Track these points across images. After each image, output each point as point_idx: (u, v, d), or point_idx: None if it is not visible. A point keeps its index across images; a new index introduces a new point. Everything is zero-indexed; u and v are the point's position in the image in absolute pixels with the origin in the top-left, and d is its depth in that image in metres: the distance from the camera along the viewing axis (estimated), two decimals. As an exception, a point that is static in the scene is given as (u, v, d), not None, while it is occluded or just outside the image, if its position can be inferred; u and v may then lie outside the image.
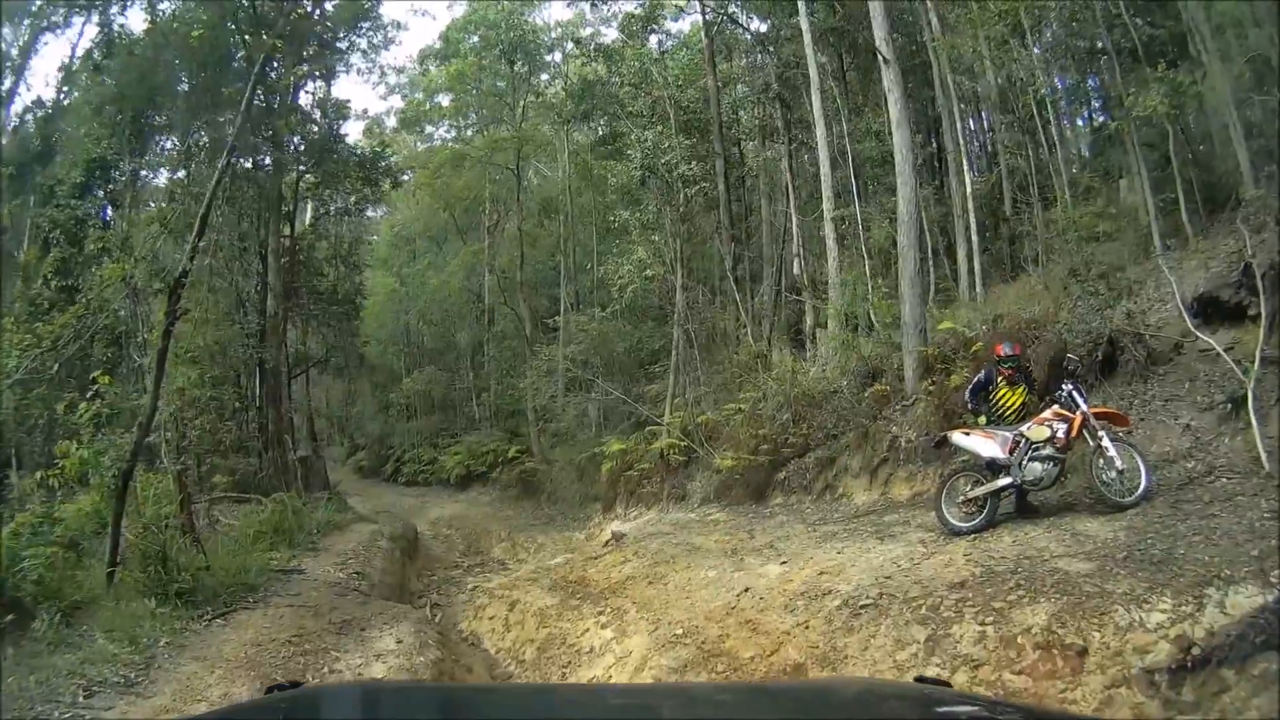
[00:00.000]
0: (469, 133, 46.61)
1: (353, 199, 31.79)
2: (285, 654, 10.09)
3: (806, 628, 10.23)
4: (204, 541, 14.20)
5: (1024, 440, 11.67)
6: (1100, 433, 11.02)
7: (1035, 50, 24.92)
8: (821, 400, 19.61)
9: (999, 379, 12.43)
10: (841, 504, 17.17)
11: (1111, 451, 10.80)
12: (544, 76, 44.18)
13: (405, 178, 42.26)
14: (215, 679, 9.13)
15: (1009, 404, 12.37)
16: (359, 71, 49.20)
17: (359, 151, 31.61)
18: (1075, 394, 11.52)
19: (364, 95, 65.39)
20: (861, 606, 10.03)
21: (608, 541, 19.73)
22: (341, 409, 56.56)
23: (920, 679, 3.80)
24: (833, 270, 22.90)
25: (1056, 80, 26.38)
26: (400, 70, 46.68)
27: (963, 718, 2.89)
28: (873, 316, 21.11)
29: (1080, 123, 29.90)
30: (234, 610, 11.79)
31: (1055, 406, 11.72)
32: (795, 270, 27.30)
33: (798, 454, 19.34)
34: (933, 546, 11.52)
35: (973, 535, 11.45)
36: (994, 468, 11.85)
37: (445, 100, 47.57)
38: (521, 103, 41.90)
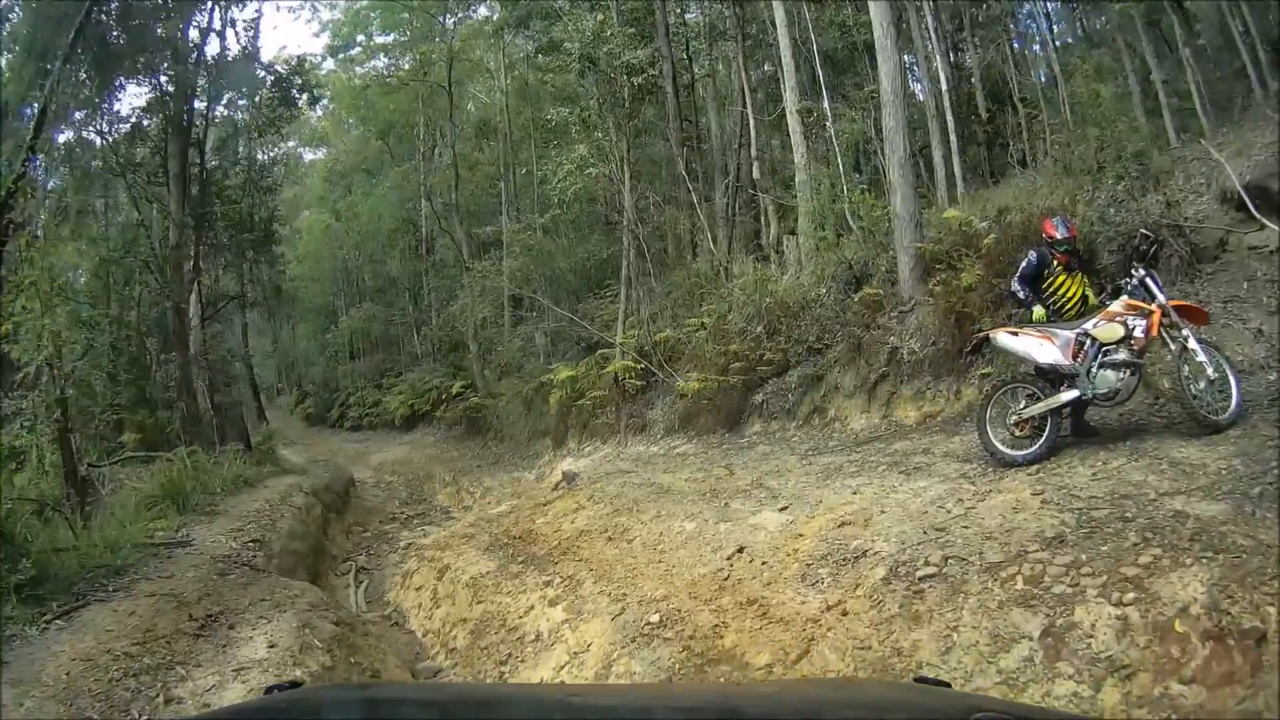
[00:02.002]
0: (401, 58, 44.10)
1: (264, 115, 28.87)
2: (114, 673, 7.62)
3: (844, 613, 7.57)
4: (93, 512, 12.62)
5: (1091, 341, 9.52)
6: (1184, 331, 9.07)
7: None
8: (799, 310, 17.61)
9: (1055, 264, 10.20)
10: (835, 430, 15.28)
11: (1201, 356, 8.88)
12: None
13: (324, 100, 41.05)
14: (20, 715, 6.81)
15: (1069, 295, 10.21)
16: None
17: (275, 68, 28.80)
18: (1150, 281, 9.40)
19: (295, 33, 63.32)
20: (922, 578, 7.41)
21: (558, 484, 17.53)
22: (279, 353, 55.04)
23: (920, 679, 3.90)
24: (801, 168, 21.11)
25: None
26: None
27: (963, 717, 2.43)
28: (848, 216, 19.28)
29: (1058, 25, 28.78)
30: (86, 604, 9.30)
31: (1125, 298, 9.56)
32: (755, 174, 25.73)
33: (776, 373, 17.47)
34: (983, 483, 9.23)
35: (1032, 466, 9.27)
36: (1054, 377, 9.75)
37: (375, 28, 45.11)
38: (453, 18, 39.61)
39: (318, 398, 50.15)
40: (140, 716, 7.00)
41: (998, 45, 26.62)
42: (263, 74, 27.91)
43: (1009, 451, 9.67)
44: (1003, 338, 10.23)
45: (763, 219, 25.88)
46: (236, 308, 32.89)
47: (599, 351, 23.79)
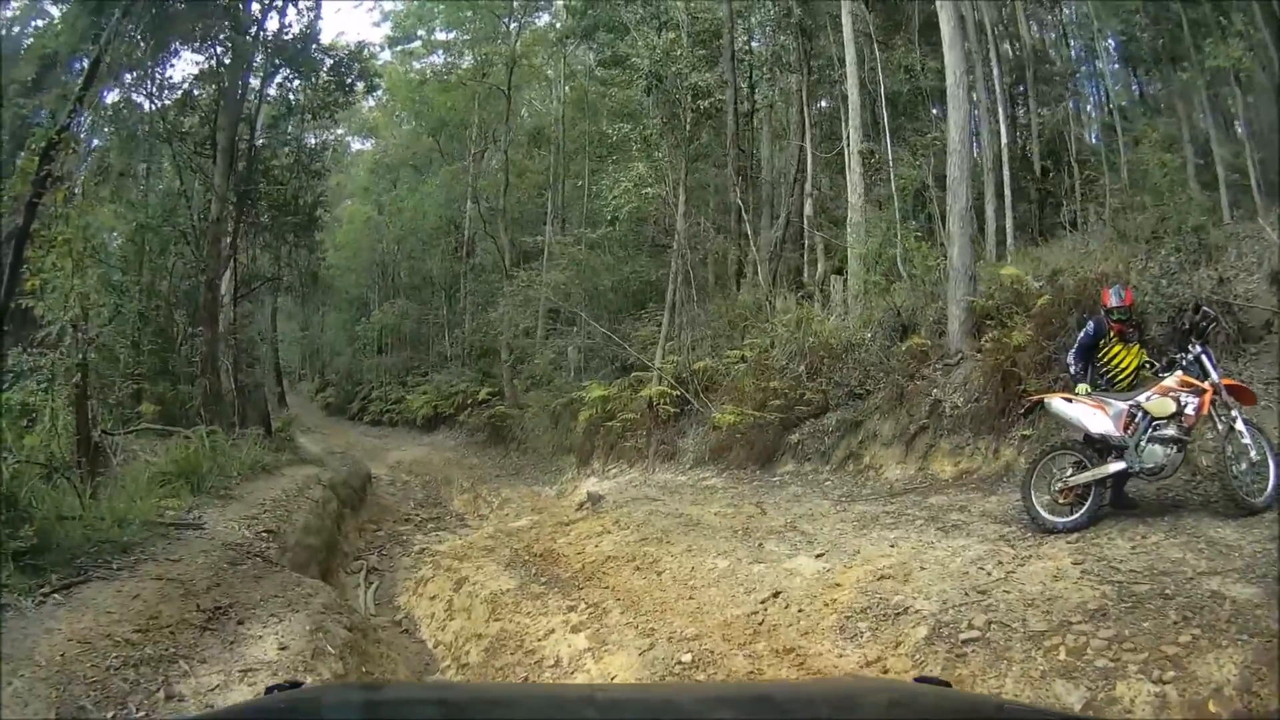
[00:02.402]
0: (461, 56, 43.70)
1: (318, 98, 28.44)
2: (112, 661, 7.01)
3: (884, 670, 7.33)
4: (103, 483, 11.96)
5: (1142, 414, 9.42)
6: (1233, 412, 9.10)
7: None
8: (842, 353, 17.40)
9: (1110, 333, 10.13)
10: (869, 478, 15.13)
11: (1246, 438, 8.91)
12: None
13: (379, 91, 40.30)
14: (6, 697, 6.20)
15: (1123, 366, 10.14)
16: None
17: (333, 52, 28.35)
18: (1205, 358, 9.35)
19: (355, 22, 63.50)
20: (965, 641, 7.26)
21: (583, 503, 17.22)
22: (308, 339, 55.39)
23: (920, 679, 4.01)
24: (857, 208, 21.03)
25: (1109, 40, 25.74)
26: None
27: (963, 717, 2.69)
28: (900, 262, 19.15)
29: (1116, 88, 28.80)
30: (87, 580, 8.67)
31: (1179, 373, 9.45)
32: (808, 211, 25.44)
33: (814, 414, 17.25)
34: (1023, 547, 9.19)
35: (1072, 534, 9.20)
36: (1101, 447, 9.66)
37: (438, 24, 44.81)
38: (518, 21, 38.99)
39: (340, 388, 49.67)
40: (137, 712, 6.45)
41: (1058, 103, 26.46)
42: (321, 56, 27.41)
43: (1050, 517, 9.59)
44: (1057, 403, 10.15)
45: (805, 255, 25.72)
46: (270, 289, 32.55)
47: (634, 374, 23.42)
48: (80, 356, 12.33)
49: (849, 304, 19.98)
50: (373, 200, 50.72)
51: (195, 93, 24.94)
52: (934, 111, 26.11)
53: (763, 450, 17.54)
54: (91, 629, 7.45)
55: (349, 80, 28.52)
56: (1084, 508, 9.41)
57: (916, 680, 3.85)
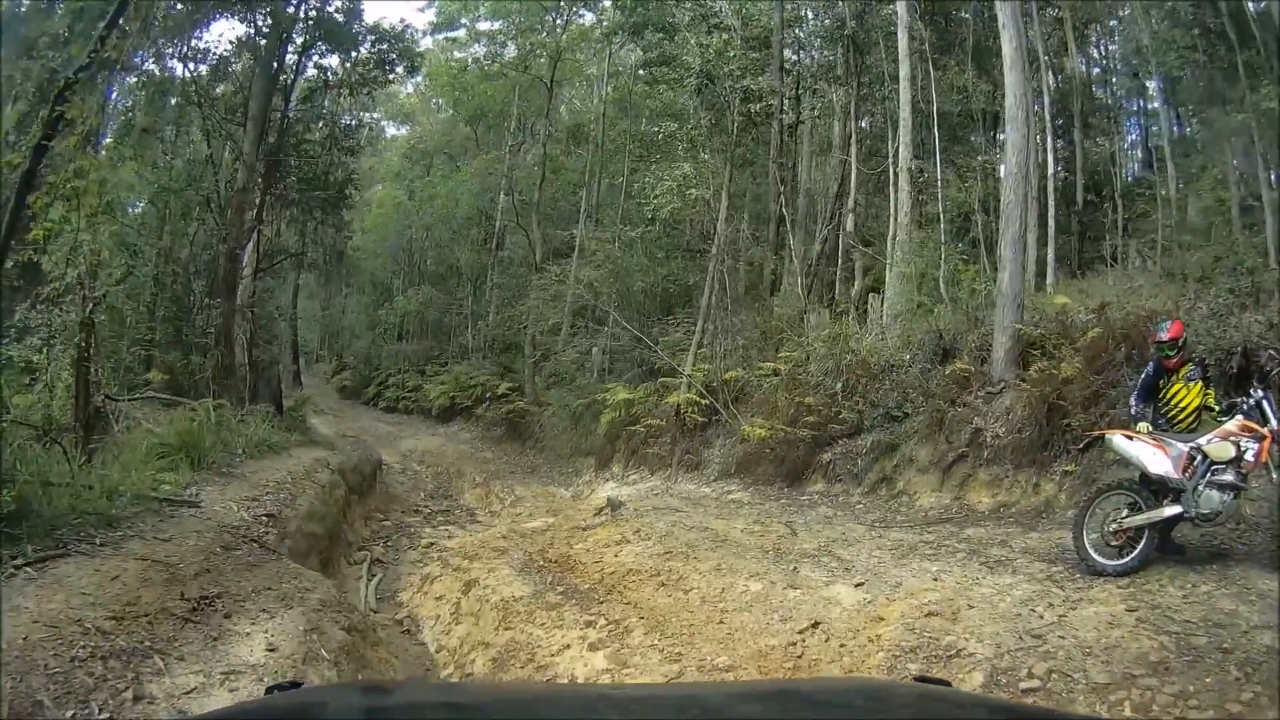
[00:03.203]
0: (504, 47, 42.73)
1: (358, 74, 27.73)
2: (80, 650, 6.20)
3: None
4: (99, 450, 11.50)
5: (1202, 457, 9.03)
6: None
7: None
8: (879, 373, 17.00)
9: (1174, 374, 9.83)
10: (902, 504, 14.75)
11: None
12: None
13: (419, 76, 40.42)
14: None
15: (1184, 405, 9.78)
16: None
17: (376, 28, 27.66)
18: (1267, 404, 9.03)
19: (400, 9, 63.07)
20: (1025, 690, 6.88)
21: (601, 509, 16.46)
22: (328, 320, 54.93)
23: (920, 678, 4.07)
24: (903, 226, 20.60)
25: (1153, 79, 25.43)
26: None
27: (962, 717, 2.76)
28: (942, 285, 18.90)
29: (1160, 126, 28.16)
30: (65, 554, 7.93)
31: (1240, 417, 9.11)
32: (849, 226, 25.10)
33: (848, 433, 16.90)
34: (1072, 589, 8.83)
35: (1122, 578, 8.86)
36: (1158, 488, 9.29)
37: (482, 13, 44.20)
38: (564, 15, 38.52)
39: (357, 371, 49.21)
40: (100, 713, 5.68)
41: (1104, 137, 26.77)
42: (362, 32, 26.66)
43: (1101, 560, 9.25)
44: (1119, 440, 9.75)
45: (838, 272, 25.68)
46: (293, 266, 32.02)
47: (660, 379, 22.88)
48: (84, 315, 11.75)
49: (887, 323, 19.55)
50: (404, 185, 50.02)
51: (230, 60, 24.32)
52: (975, 138, 26.47)
53: (792, 467, 17.14)
54: (61, 611, 6.69)
55: (390, 59, 27.79)
56: (1135, 551, 9.03)
57: (916, 680, 3.95)
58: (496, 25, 42.25)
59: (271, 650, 7.05)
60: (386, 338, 48.27)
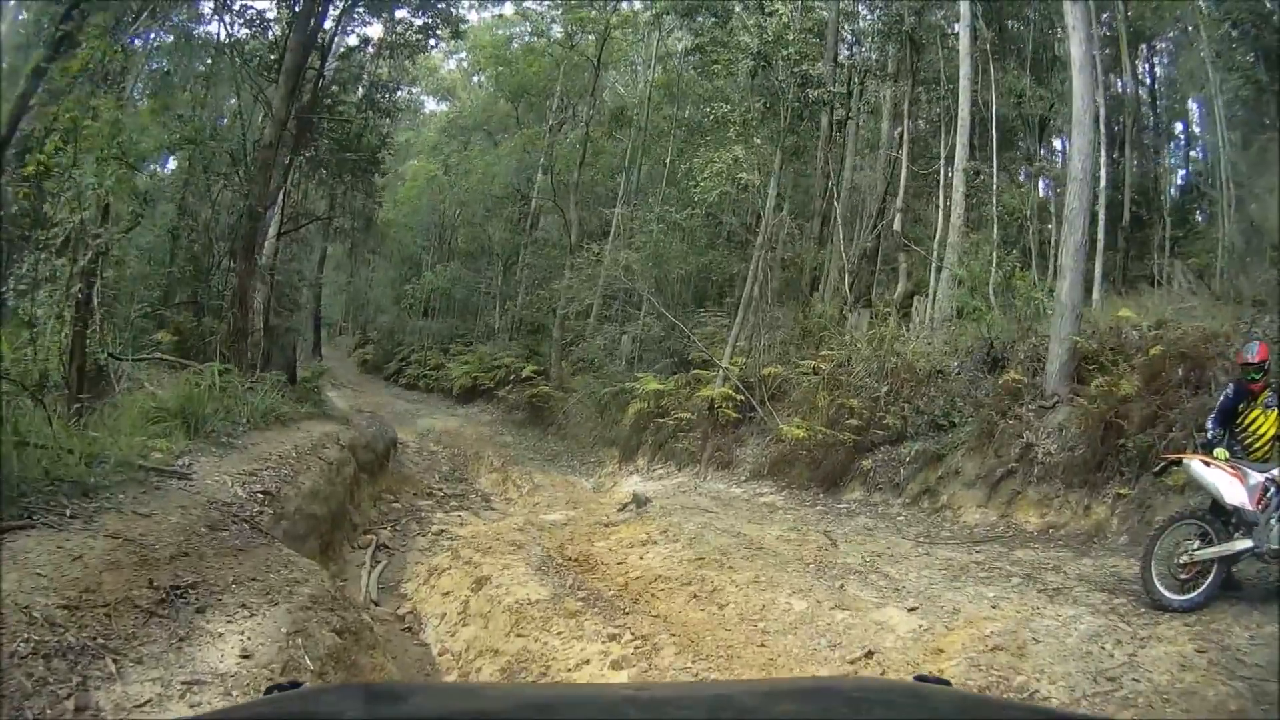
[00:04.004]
0: (553, 25, 42.54)
1: (398, 35, 26.91)
2: (21, 645, 5.22)
3: None
4: (91, 410, 10.62)
5: (1275, 489, 8.60)
6: None
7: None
8: (925, 378, 16.44)
9: (1255, 399, 9.43)
10: (945, 518, 14.27)
11: None
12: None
13: (463, 48, 41.26)
14: None
15: (1261, 433, 9.37)
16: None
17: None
18: None
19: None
20: None
21: (626, 504, 15.95)
22: (353, 291, 55.37)
23: (920, 677, 3.19)
24: (955, 229, 20.44)
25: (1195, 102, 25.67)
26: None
27: (962, 716, 2.67)
28: (992, 292, 18.36)
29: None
30: (29, 525, 6.96)
31: None
32: (897, 226, 24.59)
33: (891, 440, 16.24)
34: (1137, 624, 8.41)
35: (1187, 614, 8.45)
36: (1230, 520, 8.79)
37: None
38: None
39: (379, 346, 48.92)
40: (32, 722, 4.76)
41: (1156, 153, 26.93)
42: None
43: (1167, 594, 8.79)
44: (1195, 466, 9.28)
45: (875, 273, 25.65)
46: (319, 232, 31.35)
47: (693, 371, 22.38)
48: (83, 264, 10.96)
49: (933, 326, 19.25)
50: (441, 160, 49.36)
51: (267, 14, 23.52)
52: (1027, 144, 26.06)
53: (829, 472, 16.62)
54: (10, 595, 5.69)
55: (435, 21, 27.06)
56: (1203, 587, 8.55)
57: (916, 679, 3.27)
58: (543, 7, 41.82)
59: (245, 657, 6.08)
60: (412, 313, 47.86)
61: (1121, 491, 12.04)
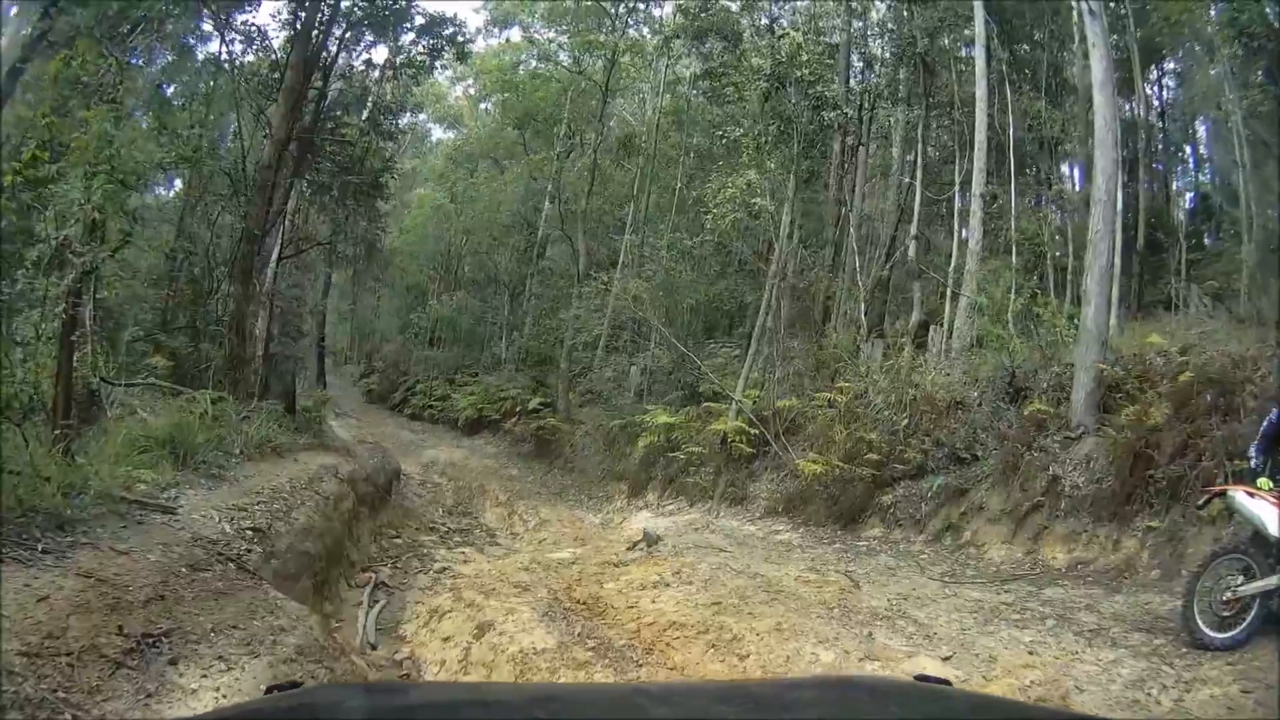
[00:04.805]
0: (560, 52, 42.75)
1: (402, 56, 26.63)
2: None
3: None
4: (78, 437, 10.23)
5: None
6: None
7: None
8: (945, 410, 16.04)
9: None
10: (969, 555, 13.89)
11: None
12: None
13: (469, 74, 41.92)
14: None
15: None
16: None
17: (426, 11, 26.53)
18: None
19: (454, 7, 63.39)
20: None
21: (636, 542, 15.38)
22: (357, 320, 55.91)
23: (920, 677, 3.33)
24: (973, 255, 20.37)
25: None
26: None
27: (963, 716, 2.82)
28: (1010, 319, 18.24)
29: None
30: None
31: None
32: (911, 254, 24.45)
33: (911, 474, 15.77)
34: (1180, 666, 8.21)
35: (1229, 653, 8.25)
36: (1277, 553, 8.43)
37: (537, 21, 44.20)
38: (621, 23, 37.93)
39: (384, 376, 48.31)
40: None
41: (1167, 178, 27.53)
42: (413, 11, 25.60)
43: (1208, 632, 8.57)
44: (1240, 498, 9.05)
45: (887, 302, 25.63)
46: (324, 259, 31.09)
47: (705, 404, 21.88)
48: (68, 283, 10.32)
49: (952, 357, 18.96)
50: (447, 188, 49.43)
51: (267, 32, 23.30)
52: (1043, 167, 26.49)
53: (848, 508, 16.25)
54: (-37, 641, 5.15)
55: (441, 42, 26.77)
56: (1245, 623, 8.31)
57: (916, 679, 3.31)
58: (550, 34, 42.14)
59: (218, 720, 5.48)
60: (417, 343, 47.73)
61: (1152, 525, 11.74)
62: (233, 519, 9.89)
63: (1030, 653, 8.83)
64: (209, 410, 13.55)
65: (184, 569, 7.70)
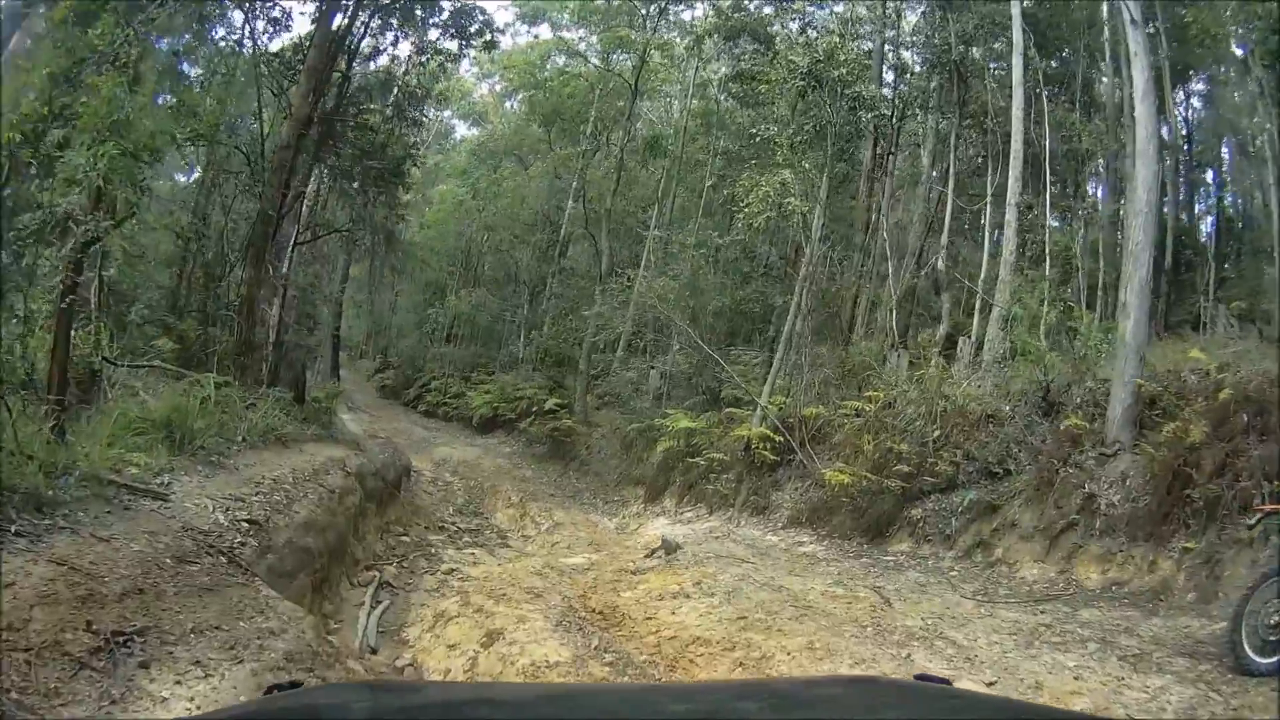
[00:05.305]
0: (588, 47, 42.91)
1: (431, 50, 26.48)
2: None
3: None
4: (75, 418, 10.05)
5: None
6: None
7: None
8: (977, 423, 15.64)
9: None
10: (1001, 573, 13.42)
11: None
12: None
13: (496, 71, 42.15)
14: None
15: None
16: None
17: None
18: None
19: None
20: None
21: (654, 550, 14.92)
22: (375, 314, 55.49)
23: (920, 676, 3.35)
24: (1008, 266, 20.23)
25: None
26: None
27: (963, 716, 2.75)
28: (1042, 333, 18.03)
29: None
30: (-30, 543, 5.93)
31: None
32: (941, 265, 24.11)
33: (941, 488, 15.50)
34: (1227, 692, 8.01)
35: (1273, 677, 7.97)
36: None
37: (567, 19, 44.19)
38: (654, 18, 37.63)
39: (400, 371, 47.92)
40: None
41: (1193, 198, 28.10)
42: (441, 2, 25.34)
43: (1255, 657, 8.28)
44: None
45: (912, 313, 25.36)
46: (343, 248, 30.73)
47: (727, 409, 21.39)
48: (66, 254, 9.90)
49: (984, 369, 18.52)
50: (470, 184, 49.13)
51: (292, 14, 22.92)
52: (1061, 182, 26.37)
53: (875, 521, 15.85)
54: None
55: (470, 29, 26.43)
56: None
57: (916, 678, 3.29)
58: (581, 32, 42.28)
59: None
60: (434, 339, 47.51)
61: (1188, 546, 11.48)
62: (228, 509, 9.40)
63: (1076, 678, 8.54)
64: (211, 395, 13.02)
65: (168, 560, 7.18)
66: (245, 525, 9.11)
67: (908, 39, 30.06)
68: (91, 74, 11.03)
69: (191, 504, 9.02)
